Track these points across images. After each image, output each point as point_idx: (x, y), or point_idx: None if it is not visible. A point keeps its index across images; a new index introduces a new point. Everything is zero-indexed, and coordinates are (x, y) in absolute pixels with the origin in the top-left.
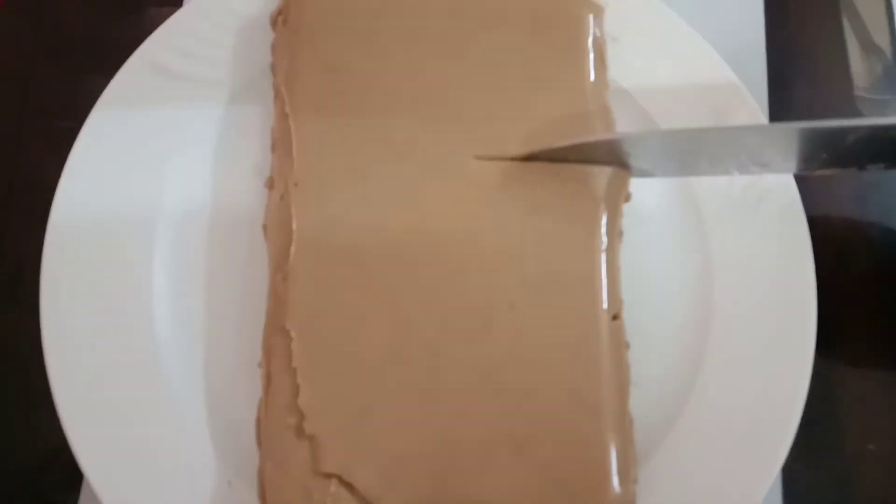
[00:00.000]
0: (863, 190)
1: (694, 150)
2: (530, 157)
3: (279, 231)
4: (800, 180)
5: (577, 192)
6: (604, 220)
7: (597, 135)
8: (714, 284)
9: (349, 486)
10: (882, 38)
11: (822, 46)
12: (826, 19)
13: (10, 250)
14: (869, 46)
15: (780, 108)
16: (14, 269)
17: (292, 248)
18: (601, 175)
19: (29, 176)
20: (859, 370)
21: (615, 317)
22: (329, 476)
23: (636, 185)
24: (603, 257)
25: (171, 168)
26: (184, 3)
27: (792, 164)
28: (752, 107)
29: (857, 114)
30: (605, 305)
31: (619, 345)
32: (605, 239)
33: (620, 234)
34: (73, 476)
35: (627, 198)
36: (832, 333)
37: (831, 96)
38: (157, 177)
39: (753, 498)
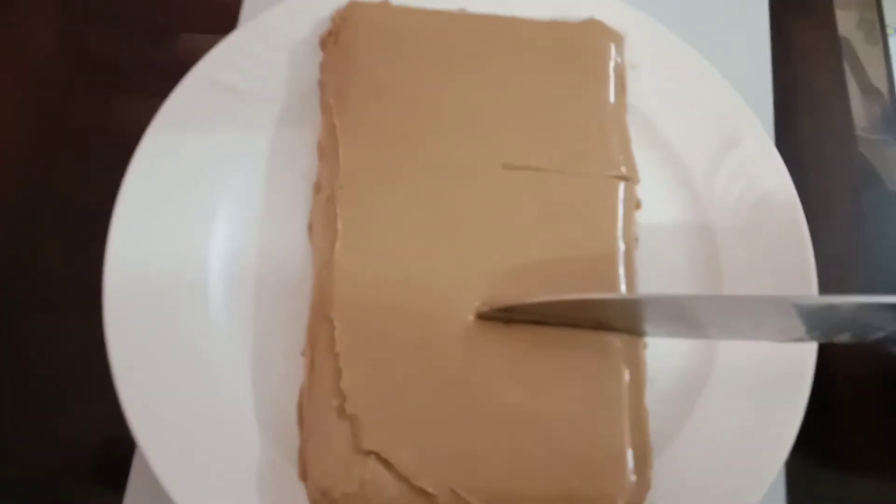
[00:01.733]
0: (862, 205)
1: (698, 316)
2: (509, 310)
3: (325, 230)
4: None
5: (593, 202)
6: (620, 228)
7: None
8: (723, 284)
9: (386, 464)
10: (881, 82)
11: (825, 85)
12: (829, 60)
13: (44, 266)
14: (868, 89)
15: (786, 140)
16: (48, 278)
17: (337, 245)
18: (613, 187)
19: (63, 196)
20: (859, 375)
21: None
22: (368, 454)
23: (648, 196)
24: (621, 261)
25: (226, 176)
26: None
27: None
28: (760, 133)
29: (857, 154)
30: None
31: (635, 340)
32: (622, 245)
33: (636, 240)
34: (93, 476)
35: (638, 205)
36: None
37: (833, 132)
38: (215, 181)
39: (761, 485)
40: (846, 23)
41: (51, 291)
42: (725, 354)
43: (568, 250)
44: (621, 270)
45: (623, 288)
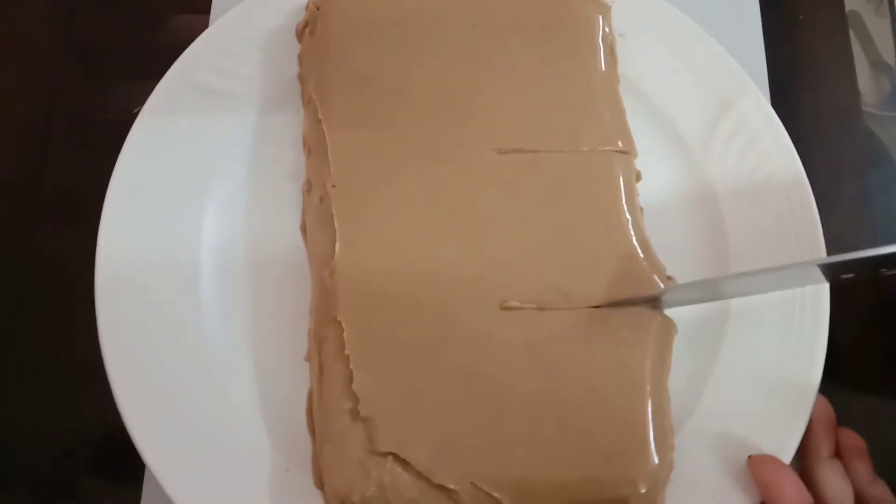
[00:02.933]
0: (869, 182)
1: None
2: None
3: (321, 230)
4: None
5: (593, 179)
6: (624, 199)
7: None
8: (729, 249)
9: (404, 463)
10: (890, 56)
11: (829, 58)
12: (833, 32)
13: (37, 251)
14: (878, 64)
15: (788, 116)
16: (42, 266)
17: (336, 245)
18: (611, 161)
19: (56, 180)
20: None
21: (668, 278)
22: (385, 455)
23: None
24: (633, 231)
25: (212, 181)
26: (211, 15)
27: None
28: (755, 93)
29: (864, 130)
30: (649, 271)
31: (668, 326)
32: (629, 216)
33: (641, 209)
34: (97, 466)
35: (638, 176)
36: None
37: (839, 108)
38: (200, 187)
39: (784, 454)
40: None
41: (48, 280)
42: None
43: (577, 229)
44: (635, 240)
45: (641, 255)
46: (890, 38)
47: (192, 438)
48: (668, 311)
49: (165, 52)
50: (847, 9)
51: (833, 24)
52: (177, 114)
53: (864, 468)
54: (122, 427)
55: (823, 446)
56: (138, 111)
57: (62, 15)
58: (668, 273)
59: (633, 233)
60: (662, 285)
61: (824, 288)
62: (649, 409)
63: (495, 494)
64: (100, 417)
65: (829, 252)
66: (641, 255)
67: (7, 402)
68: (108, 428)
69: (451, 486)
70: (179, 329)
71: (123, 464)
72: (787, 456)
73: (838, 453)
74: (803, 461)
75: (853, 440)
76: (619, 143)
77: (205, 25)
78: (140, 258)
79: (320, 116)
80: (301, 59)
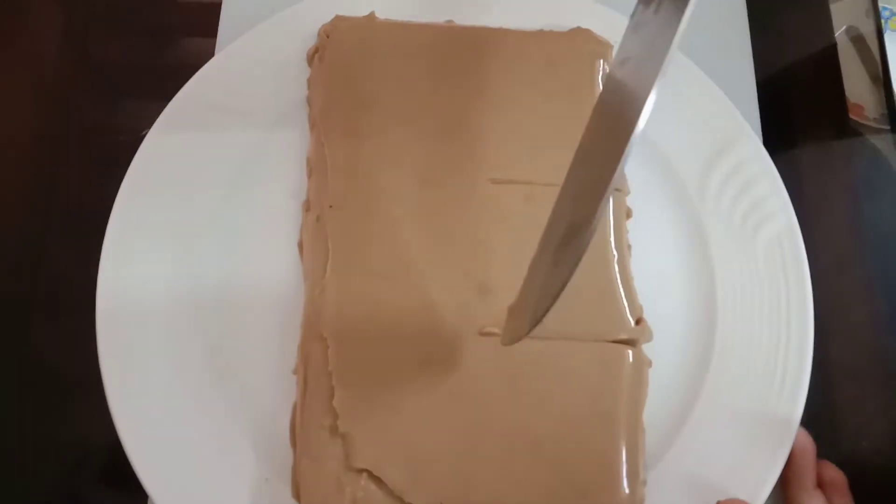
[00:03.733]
0: (859, 199)
1: None
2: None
3: (315, 248)
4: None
5: None
6: (612, 236)
7: None
8: (716, 295)
9: (378, 481)
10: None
11: (816, 72)
12: (820, 45)
13: (48, 264)
14: (878, 78)
15: (776, 140)
16: (50, 280)
17: (328, 264)
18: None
19: (67, 194)
20: (854, 372)
21: (638, 321)
22: (360, 471)
23: (642, 207)
24: (616, 268)
25: (216, 195)
26: (218, 37)
27: None
28: (754, 140)
29: (860, 143)
30: (627, 311)
31: (641, 360)
32: (615, 252)
33: (629, 247)
34: (106, 475)
35: (629, 214)
36: (826, 335)
37: (828, 128)
38: (204, 200)
39: (757, 497)
40: (856, 10)
41: (57, 292)
42: (717, 368)
43: None
44: (618, 278)
45: (622, 293)
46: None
47: (179, 444)
48: (647, 346)
49: (174, 72)
50: (846, 24)
51: (822, 42)
52: (187, 130)
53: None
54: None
55: (807, 477)
56: (146, 133)
57: (75, 36)
58: (658, 310)
59: (617, 270)
60: (633, 325)
61: (808, 330)
62: (623, 442)
63: None
64: (106, 431)
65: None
66: (622, 294)
67: (14, 415)
68: (113, 441)
69: None
70: (175, 342)
71: (129, 475)
72: (761, 499)
73: (819, 486)
74: (786, 491)
75: (834, 473)
76: None
77: (212, 47)
78: (138, 276)
79: (323, 139)
80: (310, 83)
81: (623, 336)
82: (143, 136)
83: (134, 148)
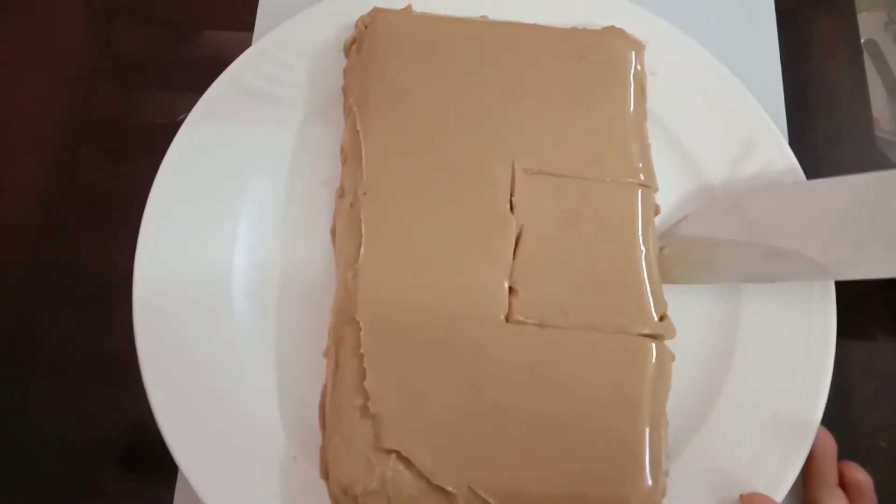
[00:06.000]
0: None
1: None
2: None
3: (349, 234)
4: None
5: (612, 208)
6: (640, 231)
7: None
8: (740, 293)
9: (406, 462)
10: None
11: (843, 86)
12: (847, 59)
13: (67, 253)
14: (895, 91)
15: (801, 146)
16: (72, 268)
17: (362, 249)
18: (632, 193)
19: (86, 185)
20: (871, 372)
21: (662, 317)
22: (389, 452)
23: (669, 204)
24: (644, 263)
25: (252, 180)
26: (255, 30)
27: None
28: (778, 138)
29: (880, 155)
30: (652, 307)
31: (664, 353)
32: (643, 248)
33: (660, 248)
34: (123, 459)
35: (657, 210)
36: (846, 337)
37: (853, 136)
38: (241, 185)
39: (777, 492)
40: (874, 23)
41: (77, 281)
42: (738, 368)
43: (588, 254)
44: (644, 273)
45: (648, 289)
46: None
47: (213, 423)
48: (670, 342)
49: (202, 65)
50: (865, 37)
51: (847, 47)
52: (224, 116)
53: None
54: (148, 419)
55: (828, 475)
56: (185, 117)
57: (99, 27)
58: (682, 304)
59: (644, 265)
60: (657, 321)
61: (831, 328)
62: (646, 432)
63: (490, 501)
64: (126, 412)
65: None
66: (648, 289)
67: (36, 398)
68: (138, 422)
69: (449, 489)
70: (209, 324)
71: (159, 452)
72: (780, 495)
73: (843, 486)
74: (807, 490)
75: (860, 475)
76: (641, 177)
77: (245, 41)
78: (175, 259)
79: (358, 127)
80: (346, 72)
81: (646, 331)
82: (181, 120)
83: (155, 138)
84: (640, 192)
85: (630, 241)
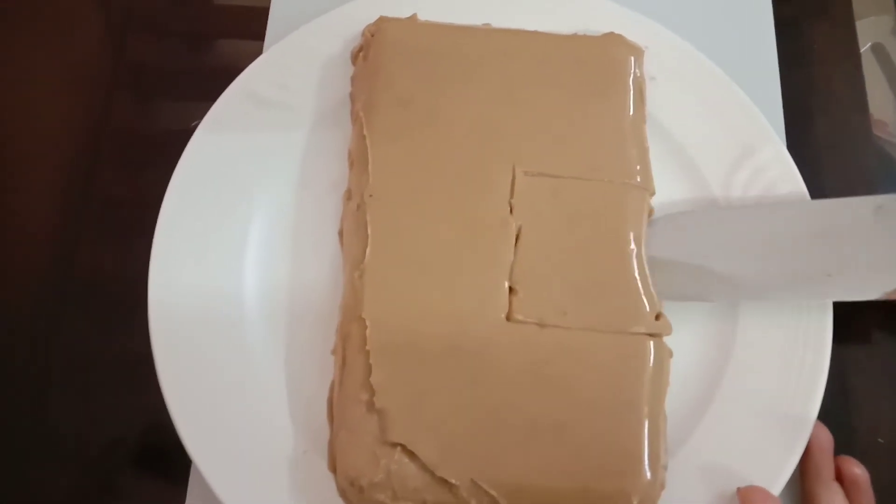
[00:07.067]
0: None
1: None
2: None
3: (355, 235)
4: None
5: (609, 208)
6: (631, 233)
7: None
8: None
9: (411, 455)
10: None
11: (841, 92)
12: (846, 66)
13: (83, 259)
14: None
15: (799, 151)
16: (89, 273)
17: (367, 250)
18: (628, 194)
19: (102, 192)
20: (869, 369)
21: (658, 316)
22: (394, 445)
23: (668, 206)
24: (634, 263)
25: (262, 184)
26: (265, 40)
27: None
28: (776, 143)
29: (880, 160)
30: (646, 306)
31: (662, 350)
32: (633, 247)
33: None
34: (138, 458)
35: (650, 213)
36: (844, 334)
37: (851, 142)
38: (251, 189)
39: (774, 486)
40: (881, 27)
41: (94, 286)
42: (736, 364)
43: (585, 254)
44: (636, 272)
45: (641, 289)
46: None
47: (226, 420)
48: (668, 339)
49: (214, 74)
50: (871, 42)
51: (847, 57)
52: (235, 123)
53: (866, 501)
54: (162, 421)
55: (825, 469)
56: (197, 124)
57: (115, 37)
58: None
59: (635, 265)
60: (653, 320)
61: (828, 323)
62: (645, 427)
63: (493, 493)
64: (141, 413)
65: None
66: (640, 289)
67: (53, 400)
68: (152, 422)
69: (453, 481)
70: (222, 326)
71: (170, 453)
72: (778, 488)
73: (840, 481)
74: (805, 484)
75: (856, 469)
76: (638, 178)
77: (256, 50)
78: (188, 261)
79: (365, 132)
80: (353, 80)
81: (643, 330)
82: (194, 126)
83: (168, 146)
84: (636, 193)
85: (624, 241)
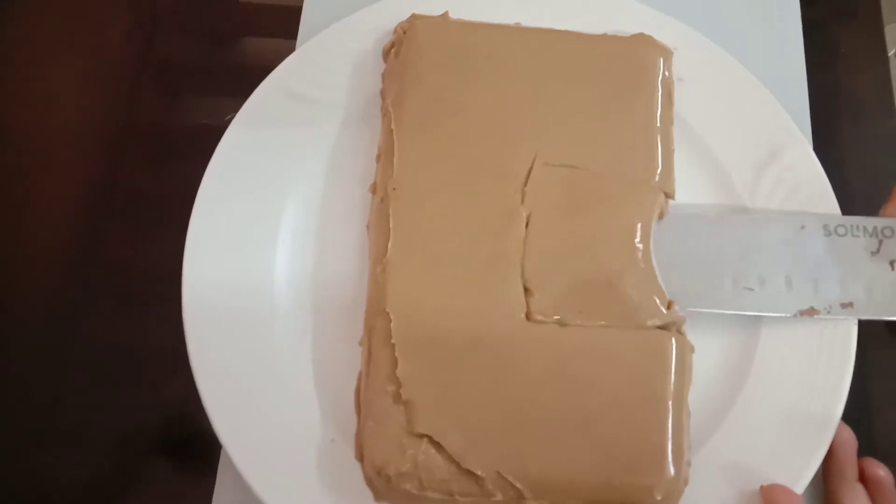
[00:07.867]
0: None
1: None
2: None
3: (379, 229)
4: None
5: (624, 203)
6: (639, 232)
7: None
8: None
9: (438, 446)
10: None
11: (869, 96)
12: (873, 70)
13: (107, 252)
14: None
15: (826, 154)
16: (117, 266)
17: (389, 244)
18: (644, 192)
19: (130, 186)
20: (891, 373)
21: (669, 305)
22: (421, 436)
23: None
24: (640, 258)
25: (293, 177)
26: (298, 39)
27: None
28: (803, 145)
29: None
30: (656, 299)
31: (685, 345)
32: (639, 245)
33: None
34: (166, 445)
35: (661, 214)
36: (867, 337)
37: (878, 144)
38: (283, 182)
39: (797, 486)
40: None
41: (122, 279)
42: (760, 364)
43: (593, 249)
44: (641, 268)
45: (649, 284)
46: None
47: (257, 408)
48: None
49: (245, 72)
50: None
51: (874, 60)
52: (269, 117)
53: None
54: (190, 410)
55: (848, 470)
56: (230, 118)
57: (142, 36)
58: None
59: (641, 261)
60: (665, 311)
61: (852, 324)
62: (669, 423)
63: (518, 485)
64: (169, 403)
65: None
66: (648, 283)
67: (75, 389)
68: (181, 412)
69: (478, 473)
70: (253, 317)
71: (199, 440)
72: (800, 488)
73: (863, 482)
74: (828, 484)
75: (881, 471)
76: (657, 179)
77: (289, 48)
78: (221, 252)
79: (392, 126)
80: (384, 76)
81: (657, 322)
82: (228, 120)
83: (194, 143)
84: (650, 192)
85: (632, 238)
